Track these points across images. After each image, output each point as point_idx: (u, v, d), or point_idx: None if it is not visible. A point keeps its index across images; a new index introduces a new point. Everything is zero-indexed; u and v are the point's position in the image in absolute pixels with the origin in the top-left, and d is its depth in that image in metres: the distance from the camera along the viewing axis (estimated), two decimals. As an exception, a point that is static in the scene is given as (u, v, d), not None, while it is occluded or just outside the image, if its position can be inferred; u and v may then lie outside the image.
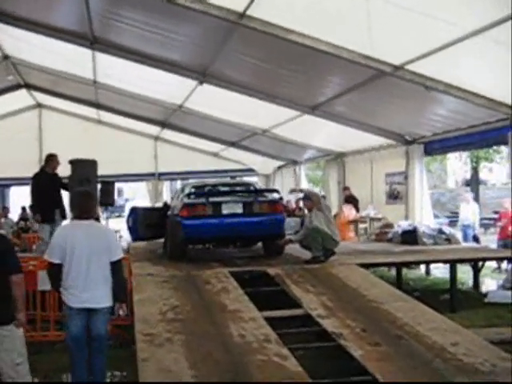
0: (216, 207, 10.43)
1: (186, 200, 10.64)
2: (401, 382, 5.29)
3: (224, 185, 12.46)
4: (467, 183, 39.59)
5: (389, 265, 11.71)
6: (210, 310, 7.44)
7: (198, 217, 10.32)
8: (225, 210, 10.43)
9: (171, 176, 26.23)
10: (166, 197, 26.23)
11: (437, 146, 15.01)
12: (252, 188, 11.55)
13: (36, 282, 8.76)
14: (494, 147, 25.45)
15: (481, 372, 5.48)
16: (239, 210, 10.49)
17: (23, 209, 21.53)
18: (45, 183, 11.29)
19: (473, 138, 13.35)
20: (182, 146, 24.00)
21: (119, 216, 34.72)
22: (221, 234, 10.51)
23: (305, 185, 23.50)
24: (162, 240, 12.59)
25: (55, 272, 6.06)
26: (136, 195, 45.02)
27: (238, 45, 11.68)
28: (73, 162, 11.04)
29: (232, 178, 23.90)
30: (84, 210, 6.10)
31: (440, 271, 14.76)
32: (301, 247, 10.60)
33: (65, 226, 7.27)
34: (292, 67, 12.38)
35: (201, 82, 14.38)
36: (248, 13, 9.92)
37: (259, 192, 11.28)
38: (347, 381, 5.73)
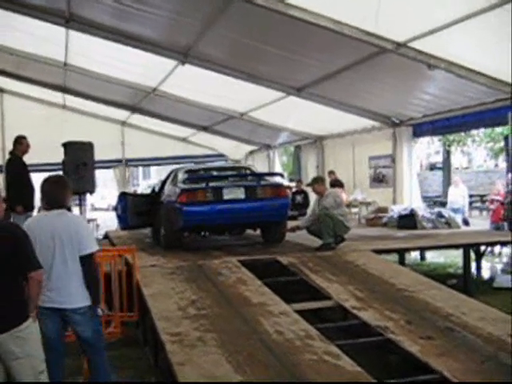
0: (217, 192, 9.80)
1: (183, 185, 9.98)
2: (478, 382, 4.78)
3: (220, 169, 11.84)
4: (431, 167, 39.66)
5: (408, 250, 11.26)
6: (232, 304, 6.82)
7: (198, 203, 9.67)
8: (226, 196, 9.80)
9: (138, 162, 25.33)
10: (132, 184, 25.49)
11: (427, 128, 14.60)
12: (251, 172, 10.95)
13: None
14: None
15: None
16: (241, 195, 9.88)
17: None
18: (22, 169, 10.43)
19: (468, 118, 12.96)
20: (150, 131, 23.22)
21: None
22: (222, 220, 9.91)
23: (278, 170, 22.95)
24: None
25: None
26: (98, 183, 43.66)
27: (230, 21, 10.94)
28: (66, 145, 10.09)
29: (196, 163, 23.16)
30: (54, 200, 5.32)
31: (431, 255, 14.49)
32: (308, 233, 10.06)
33: (33, 217, 6.44)
34: (286, 45, 11.71)
35: (182, 63, 13.61)
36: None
37: (261, 176, 10.68)
38: (416, 380, 5.17)
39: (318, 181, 10.39)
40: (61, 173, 10.49)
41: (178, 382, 4.80)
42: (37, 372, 4.71)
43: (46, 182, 5.45)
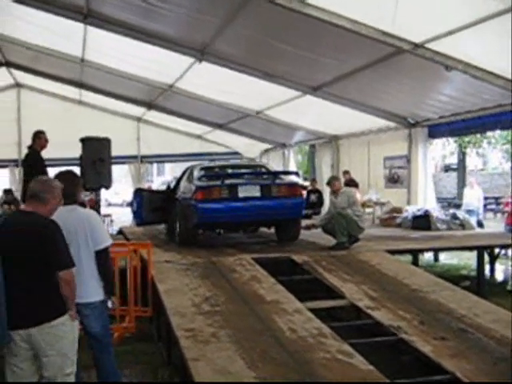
0: (232, 190, 9.86)
1: (199, 182, 10.03)
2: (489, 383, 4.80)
3: (235, 166, 11.88)
4: (446, 169, 39.49)
5: (422, 251, 11.27)
6: (246, 302, 6.85)
7: (214, 200, 9.74)
8: (241, 193, 9.86)
9: (153, 159, 25.45)
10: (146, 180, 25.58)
11: (443, 129, 14.54)
12: (265, 170, 10.99)
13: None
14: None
15: None
16: (256, 193, 9.93)
17: (7, 192, 20.01)
18: (39, 163, 10.49)
19: (484, 120, 12.91)
20: (165, 127, 23.29)
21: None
22: (237, 218, 9.97)
23: (293, 169, 22.94)
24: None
25: None
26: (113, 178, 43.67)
27: (248, 19, 10.95)
28: (84, 140, 10.17)
29: (211, 161, 23.18)
30: (65, 195, 5.31)
31: (445, 257, 14.47)
32: (324, 232, 10.10)
33: None
34: (303, 44, 11.71)
35: (199, 60, 13.64)
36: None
37: (277, 174, 10.72)
38: (428, 380, 5.20)
39: (336, 179, 10.60)
40: (77, 168, 10.61)
41: (181, 382, 4.85)
42: (64, 373, 4.58)
43: (56, 178, 5.48)
